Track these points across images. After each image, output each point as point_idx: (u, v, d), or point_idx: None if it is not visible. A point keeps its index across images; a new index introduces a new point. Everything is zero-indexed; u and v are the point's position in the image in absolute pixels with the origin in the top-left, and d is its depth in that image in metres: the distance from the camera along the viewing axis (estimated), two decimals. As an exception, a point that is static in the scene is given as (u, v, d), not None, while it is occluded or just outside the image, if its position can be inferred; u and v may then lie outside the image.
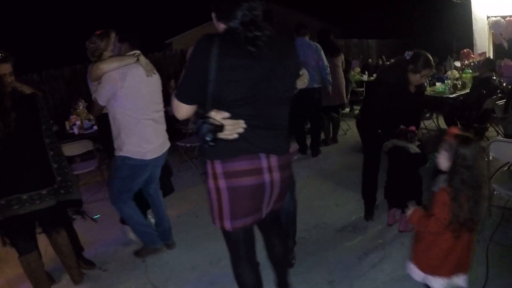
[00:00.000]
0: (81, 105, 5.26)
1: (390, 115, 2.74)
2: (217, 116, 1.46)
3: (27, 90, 2.32)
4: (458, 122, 4.68)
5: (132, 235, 3.04)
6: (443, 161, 1.73)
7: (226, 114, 1.47)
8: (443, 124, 5.18)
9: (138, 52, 2.47)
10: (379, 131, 2.80)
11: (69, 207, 2.55)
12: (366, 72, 7.73)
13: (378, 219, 3.07)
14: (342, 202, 3.47)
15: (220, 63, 1.42)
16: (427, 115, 5.87)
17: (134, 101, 2.47)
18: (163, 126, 2.72)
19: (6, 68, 2.20)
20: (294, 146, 5.21)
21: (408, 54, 2.77)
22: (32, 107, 2.30)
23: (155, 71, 2.58)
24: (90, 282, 2.67)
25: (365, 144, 3.08)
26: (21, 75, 6.67)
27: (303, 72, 1.73)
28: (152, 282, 2.58)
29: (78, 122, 4.94)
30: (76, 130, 4.81)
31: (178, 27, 17.20)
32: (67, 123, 5.10)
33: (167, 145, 2.77)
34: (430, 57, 2.67)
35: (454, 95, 4.86)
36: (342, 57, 5.32)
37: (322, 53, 4.66)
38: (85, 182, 4.84)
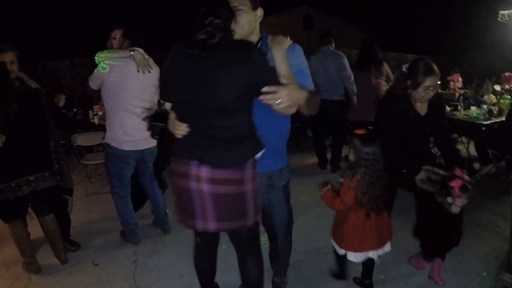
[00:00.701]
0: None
1: (405, 149, 2.30)
2: (171, 115, 1.63)
3: (32, 84, 2.54)
4: (490, 152, 4.36)
5: None
6: (351, 155, 2.12)
7: (172, 115, 1.62)
8: (474, 151, 4.84)
9: (136, 48, 2.58)
10: (404, 170, 2.27)
11: (63, 193, 2.80)
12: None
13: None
14: (350, 225, 3.27)
15: (168, 66, 1.57)
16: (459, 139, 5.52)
17: (118, 92, 2.60)
18: None
19: (6, 57, 2.35)
20: (313, 160, 5.06)
21: (406, 68, 2.35)
22: (36, 100, 2.49)
23: (151, 70, 2.65)
24: (79, 275, 2.69)
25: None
26: (53, 60, 6.97)
27: (280, 93, 1.45)
28: (137, 284, 2.54)
29: (100, 113, 5.03)
30: (96, 120, 4.90)
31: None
32: (90, 112, 5.23)
33: (150, 143, 2.83)
34: (431, 63, 2.18)
35: (488, 122, 4.50)
36: (384, 70, 4.84)
37: (345, 61, 4.46)
38: (100, 173, 4.92)
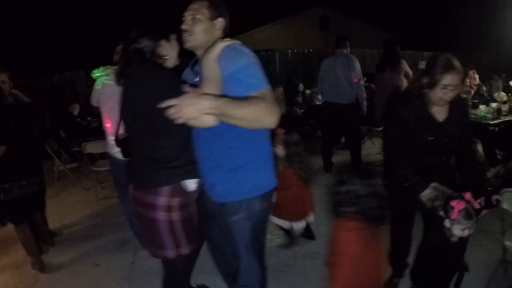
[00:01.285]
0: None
1: (417, 162, 2.01)
2: None
3: (25, 99, 2.82)
4: (498, 153, 4.23)
5: None
6: (280, 151, 2.76)
7: None
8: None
9: None
10: (407, 183, 2.00)
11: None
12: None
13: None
14: (346, 231, 3.26)
15: None
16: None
17: (111, 106, 2.66)
18: None
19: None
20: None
21: (422, 64, 2.13)
22: (29, 113, 2.78)
23: None
24: (81, 274, 2.88)
25: (392, 205, 2.19)
26: (69, 71, 7.33)
27: (175, 106, 1.31)
28: (131, 284, 2.70)
29: (112, 120, 5.25)
30: (108, 128, 5.11)
31: (238, 27, 17.59)
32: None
33: None
34: (452, 59, 1.84)
35: (496, 121, 4.37)
36: (402, 69, 4.72)
37: (355, 65, 4.46)
38: (112, 179, 5.10)
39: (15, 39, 12.90)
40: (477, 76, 7.30)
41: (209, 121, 1.34)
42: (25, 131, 2.75)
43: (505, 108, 4.55)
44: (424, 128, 1.95)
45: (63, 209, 4.17)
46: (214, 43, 1.49)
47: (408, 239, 2.31)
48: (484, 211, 1.92)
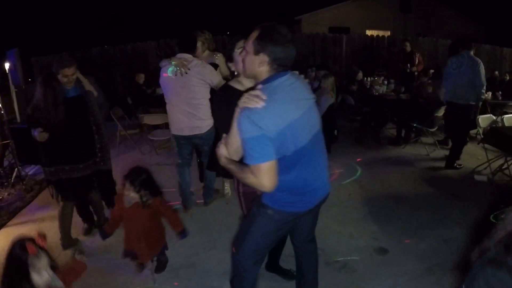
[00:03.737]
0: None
1: None
2: None
3: (86, 85, 3.10)
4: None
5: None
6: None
7: None
8: None
9: (179, 55, 3.24)
10: None
11: (104, 174, 3.26)
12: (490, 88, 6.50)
13: (371, 271, 2.81)
14: (358, 235, 3.30)
15: None
16: None
17: (165, 91, 3.38)
18: (195, 115, 3.35)
19: (70, 71, 2.88)
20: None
21: None
22: (82, 103, 3.03)
23: (186, 71, 3.19)
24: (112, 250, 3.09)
25: None
26: (141, 41, 7.92)
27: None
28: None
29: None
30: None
31: (309, 4, 17.14)
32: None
33: (194, 131, 3.40)
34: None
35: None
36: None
37: (480, 69, 4.50)
38: (166, 147, 5.68)
39: (96, 10, 14.15)
40: None
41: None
42: (80, 118, 2.99)
43: None
44: None
45: (120, 169, 4.71)
46: (240, 101, 1.61)
47: None
48: None
